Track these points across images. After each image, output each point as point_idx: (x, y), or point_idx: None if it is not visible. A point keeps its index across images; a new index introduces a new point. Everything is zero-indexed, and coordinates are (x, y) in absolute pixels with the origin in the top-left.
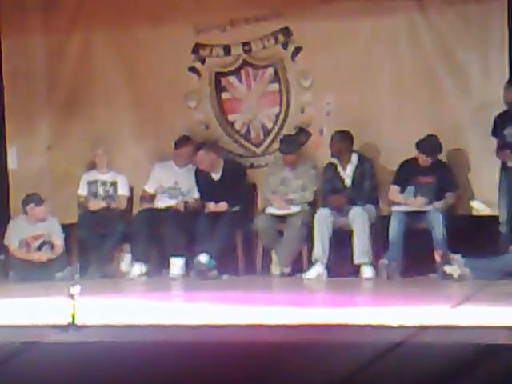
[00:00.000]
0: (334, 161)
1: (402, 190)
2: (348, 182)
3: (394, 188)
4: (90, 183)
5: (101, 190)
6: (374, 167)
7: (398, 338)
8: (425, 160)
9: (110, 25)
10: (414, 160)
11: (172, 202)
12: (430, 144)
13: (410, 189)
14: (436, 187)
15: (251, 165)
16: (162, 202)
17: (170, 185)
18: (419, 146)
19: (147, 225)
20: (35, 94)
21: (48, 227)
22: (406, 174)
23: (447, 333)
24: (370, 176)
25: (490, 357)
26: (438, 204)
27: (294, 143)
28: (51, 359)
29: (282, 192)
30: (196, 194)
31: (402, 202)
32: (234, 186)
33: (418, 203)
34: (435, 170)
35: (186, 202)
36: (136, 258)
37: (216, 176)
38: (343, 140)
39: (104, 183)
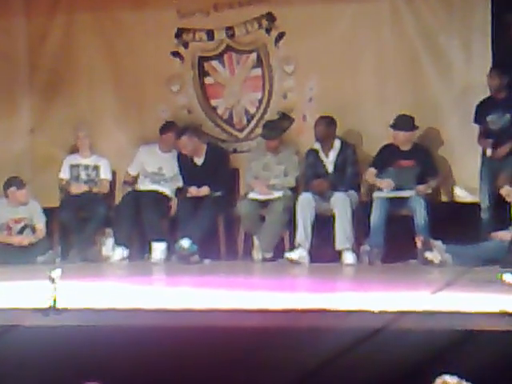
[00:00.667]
0: (316, 146)
1: (381, 173)
2: (330, 167)
3: (371, 170)
4: (72, 167)
5: (83, 174)
6: (357, 153)
7: (379, 323)
8: (400, 138)
9: (92, 7)
10: (394, 145)
11: (154, 187)
12: (402, 120)
13: (390, 171)
14: (417, 172)
15: (234, 150)
16: (143, 186)
17: (154, 170)
18: (393, 124)
19: (130, 208)
20: (17, 76)
21: (29, 210)
22: (386, 157)
23: (427, 318)
24: (353, 162)
25: (469, 343)
26: (421, 187)
27: (277, 128)
28: (32, 343)
29: (264, 177)
30: (180, 182)
31: (377, 184)
32: (217, 170)
33: (384, 184)
34: (416, 154)
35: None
36: (118, 242)
37: (199, 161)
38: (327, 125)
39: (86, 167)
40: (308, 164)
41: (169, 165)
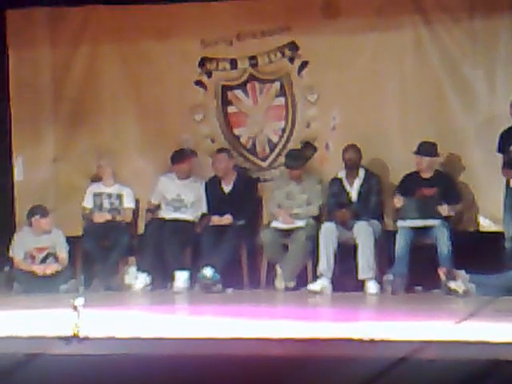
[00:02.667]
0: (341, 175)
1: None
2: (354, 196)
3: (398, 197)
4: (96, 195)
5: (106, 203)
6: (381, 183)
7: (402, 353)
8: (423, 163)
9: (116, 38)
10: (416, 172)
11: (176, 215)
12: (425, 146)
13: (413, 201)
14: (439, 198)
15: (257, 179)
16: (166, 214)
17: (173, 196)
18: (417, 150)
19: (153, 237)
20: (41, 105)
21: (53, 239)
22: (409, 185)
23: (451, 348)
24: (377, 191)
25: (493, 373)
26: (444, 207)
27: (300, 158)
28: (54, 371)
29: (287, 206)
30: (203, 209)
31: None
32: (244, 199)
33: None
34: (437, 181)
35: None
36: (141, 269)
37: (227, 188)
38: (356, 152)
39: (109, 196)
40: (332, 192)
41: (187, 191)
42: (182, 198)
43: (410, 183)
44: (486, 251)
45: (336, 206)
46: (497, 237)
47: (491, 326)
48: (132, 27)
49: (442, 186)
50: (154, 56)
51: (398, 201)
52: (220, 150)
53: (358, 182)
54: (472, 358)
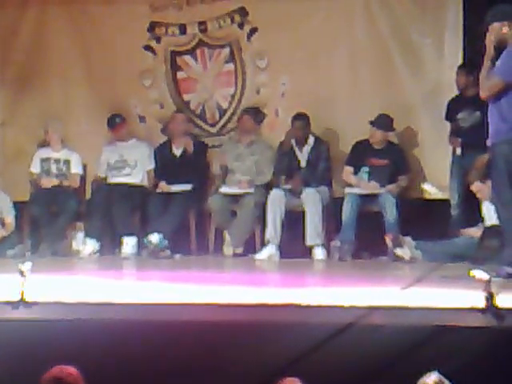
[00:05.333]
0: (291, 141)
1: (356, 171)
2: (303, 163)
3: (348, 169)
4: (43, 161)
5: (53, 168)
6: (329, 149)
7: (349, 318)
8: (378, 136)
9: (63, 0)
10: (367, 141)
11: (121, 178)
12: (383, 120)
13: (364, 169)
14: (389, 169)
15: (206, 144)
16: (113, 179)
17: (116, 159)
18: (373, 121)
19: (101, 202)
20: None
21: None
22: (360, 154)
23: (397, 314)
24: (326, 158)
25: (438, 338)
26: (391, 187)
27: (259, 112)
28: (1, 336)
29: (236, 168)
30: (150, 166)
31: (355, 183)
32: (194, 163)
33: (370, 187)
34: (388, 152)
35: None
36: (89, 235)
37: (178, 151)
38: (303, 123)
39: (57, 161)
40: (280, 158)
41: (130, 151)
42: (125, 159)
43: (361, 152)
44: (432, 218)
45: (285, 169)
46: (443, 204)
47: (437, 292)
48: None
49: (392, 157)
50: (103, 19)
51: (347, 174)
52: (177, 111)
53: (307, 149)
54: (418, 323)
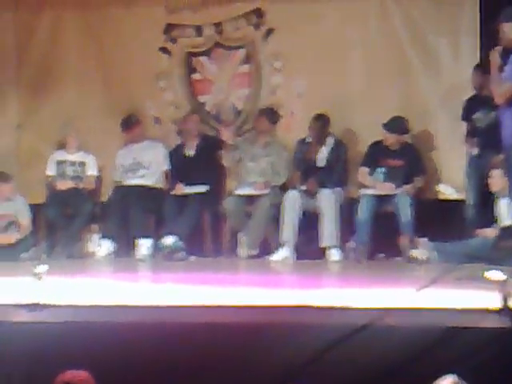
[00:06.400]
0: (309, 140)
1: (371, 172)
2: (320, 163)
3: (364, 170)
4: (59, 163)
5: (69, 170)
6: (347, 151)
7: (364, 320)
8: (391, 139)
9: (80, 3)
10: (383, 142)
11: (137, 180)
12: (396, 123)
13: (380, 170)
14: (404, 170)
15: (219, 142)
16: (128, 181)
17: (130, 162)
18: (386, 125)
19: (117, 204)
20: (5, 72)
21: (15, 206)
22: (375, 155)
23: (412, 315)
24: (343, 160)
25: (453, 339)
26: (407, 187)
27: (274, 113)
28: (17, 338)
29: (251, 169)
30: (164, 167)
31: (371, 184)
32: (207, 164)
33: (386, 188)
34: (404, 152)
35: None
36: (105, 236)
37: (190, 152)
38: (324, 123)
39: (73, 163)
40: (298, 156)
41: (144, 153)
42: (139, 161)
43: (377, 153)
44: (447, 219)
45: (303, 170)
46: (458, 205)
47: (452, 293)
48: None
49: (408, 158)
50: (119, 22)
51: (362, 175)
52: (192, 112)
53: (325, 150)
54: (433, 325)
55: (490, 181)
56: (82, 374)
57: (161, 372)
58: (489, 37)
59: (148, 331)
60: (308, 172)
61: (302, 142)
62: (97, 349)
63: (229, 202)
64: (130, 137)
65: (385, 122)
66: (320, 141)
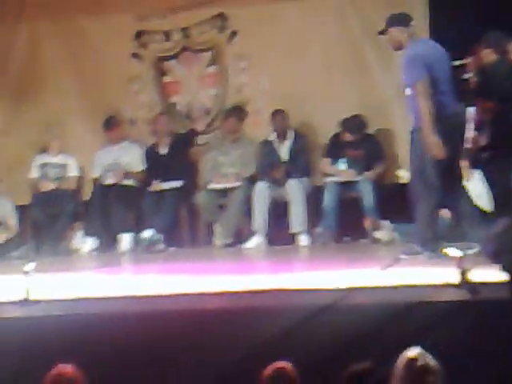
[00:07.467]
0: (272, 137)
1: (334, 162)
2: (285, 156)
3: (326, 160)
4: (42, 166)
5: (51, 172)
6: (308, 142)
7: (332, 299)
8: (350, 137)
9: (55, 14)
10: (343, 134)
11: (115, 178)
12: (354, 123)
13: (341, 160)
14: (365, 159)
15: (189, 138)
16: (108, 180)
17: (109, 162)
18: (345, 124)
19: (98, 202)
20: None
21: (3, 208)
22: (336, 147)
23: (378, 293)
24: (305, 151)
25: (417, 314)
26: (368, 174)
27: (241, 111)
28: (7, 333)
29: (222, 163)
30: (140, 167)
31: (333, 172)
32: (179, 160)
33: (347, 175)
34: (363, 143)
35: (126, 174)
36: (88, 233)
37: (163, 150)
38: (283, 118)
39: (55, 166)
40: (264, 153)
41: (123, 153)
42: (118, 162)
43: (337, 145)
44: (407, 202)
45: (268, 165)
46: None
47: (413, 270)
48: (69, 4)
49: (367, 147)
50: (91, 31)
51: (325, 165)
52: (161, 113)
53: (287, 143)
54: (398, 301)
55: None
56: (69, 368)
57: (144, 358)
58: (437, 34)
59: (132, 320)
60: (274, 166)
61: (265, 142)
62: (83, 339)
63: (201, 196)
64: (110, 136)
65: (343, 119)
66: (281, 134)
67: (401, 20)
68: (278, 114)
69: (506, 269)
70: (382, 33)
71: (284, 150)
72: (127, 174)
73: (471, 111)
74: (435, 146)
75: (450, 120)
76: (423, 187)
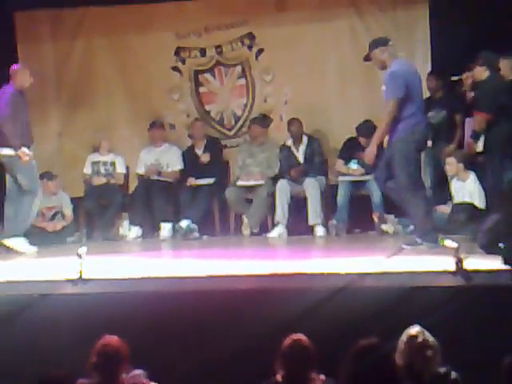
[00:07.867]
0: (289, 143)
1: (346, 163)
2: (301, 159)
3: (340, 161)
4: (94, 163)
5: (102, 169)
6: (322, 145)
7: (344, 282)
8: (363, 141)
9: (106, 33)
10: (356, 138)
11: (156, 177)
12: (366, 127)
13: (354, 161)
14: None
15: (224, 146)
16: (150, 177)
17: (152, 162)
18: (358, 130)
19: (142, 195)
20: (47, 90)
21: (60, 200)
22: (349, 150)
23: (383, 278)
24: (319, 153)
25: (417, 297)
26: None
27: (263, 120)
28: (63, 308)
29: (249, 164)
30: (178, 166)
31: (345, 171)
32: (213, 160)
33: (357, 172)
34: None
35: (159, 173)
36: (133, 223)
37: (199, 151)
38: (297, 125)
39: (105, 163)
40: (283, 157)
41: (163, 155)
42: (159, 162)
43: (350, 148)
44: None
45: (287, 167)
46: None
47: (415, 259)
48: (119, 24)
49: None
50: (138, 47)
51: (339, 166)
52: (196, 119)
53: (302, 147)
54: (401, 285)
55: (446, 167)
56: (115, 339)
57: (181, 332)
58: (438, 49)
59: (170, 298)
60: (292, 167)
61: (283, 146)
62: (128, 314)
63: (230, 191)
64: (153, 135)
65: (357, 125)
66: (297, 140)
67: (380, 41)
68: (293, 121)
69: (506, 257)
70: (366, 59)
71: (300, 153)
72: (166, 173)
73: (469, 121)
74: (372, 155)
75: (420, 131)
76: (412, 185)
